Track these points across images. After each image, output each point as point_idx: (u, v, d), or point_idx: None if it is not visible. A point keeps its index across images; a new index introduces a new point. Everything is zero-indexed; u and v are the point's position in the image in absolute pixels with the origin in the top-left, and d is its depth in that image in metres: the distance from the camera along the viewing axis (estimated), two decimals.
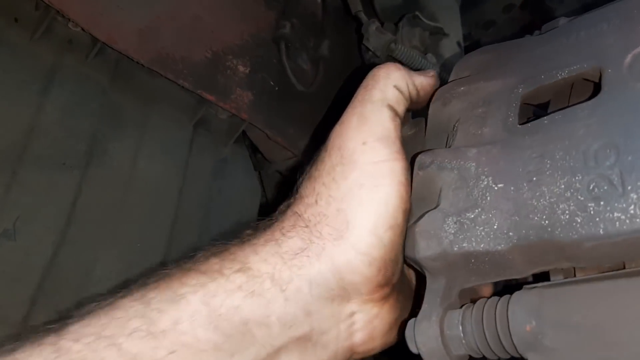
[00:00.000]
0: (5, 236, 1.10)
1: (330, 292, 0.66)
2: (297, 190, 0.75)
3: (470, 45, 1.82)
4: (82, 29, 1.24)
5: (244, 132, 1.55)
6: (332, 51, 1.61)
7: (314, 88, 1.54)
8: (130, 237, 1.25)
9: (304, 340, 0.65)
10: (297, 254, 0.66)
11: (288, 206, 0.73)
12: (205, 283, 0.62)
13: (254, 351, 0.62)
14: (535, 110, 0.81)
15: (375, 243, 0.67)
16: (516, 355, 0.61)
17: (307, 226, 0.68)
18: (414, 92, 0.81)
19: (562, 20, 0.83)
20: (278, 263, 0.65)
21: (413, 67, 1.36)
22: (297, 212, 0.71)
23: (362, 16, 1.43)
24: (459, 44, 1.51)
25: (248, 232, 0.69)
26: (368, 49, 1.40)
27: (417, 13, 1.45)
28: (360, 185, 0.70)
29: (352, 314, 0.69)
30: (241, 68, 1.42)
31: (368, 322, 0.70)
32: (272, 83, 1.48)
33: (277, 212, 0.73)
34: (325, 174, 0.73)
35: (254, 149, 1.68)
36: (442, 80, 0.85)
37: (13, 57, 1.18)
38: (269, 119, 1.46)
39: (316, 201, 0.71)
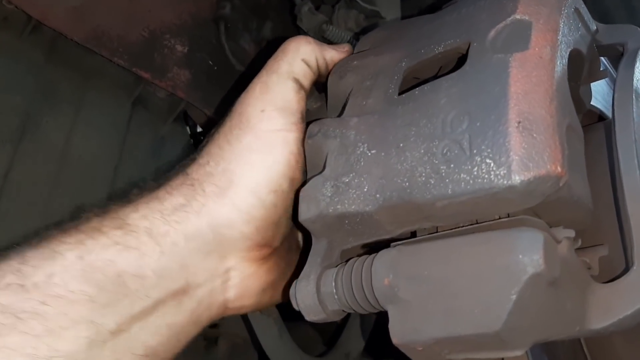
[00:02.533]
0: None
1: (206, 246, 0.70)
2: (198, 152, 0.79)
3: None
4: (16, 7, 1.25)
5: (185, 112, 1.58)
6: (275, 32, 1.63)
7: (255, 68, 1.57)
8: (63, 213, 1.27)
9: (181, 294, 0.69)
10: (177, 209, 0.69)
11: (183, 167, 0.77)
12: (83, 240, 0.65)
13: (128, 303, 0.64)
14: None
15: (255, 203, 0.71)
16: (380, 309, 0.66)
17: (192, 184, 0.72)
18: (323, 66, 0.85)
19: None
20: (157, 218, 0.68)
21: None
22: (187, 172, 0.75)
23: None
24: None
25: (135, 192, 0.73)
26: (302, 30, 1.43)
27: None
28: (251, 150, 0.74)
29: (228, 270, 0.73)
30: (179, 47, 1.45)
31: (243, 279, 0.74)
32: (211, 63, 1.50)
33: (171, 172, 0.77)
34: (222, 136, 0.77)
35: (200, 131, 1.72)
36: None
37: None
38: (207, 98, 1.49)
39: (208, 161, 0.75)
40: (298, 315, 0.74)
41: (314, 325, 1.84)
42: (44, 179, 1.26)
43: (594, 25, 0.79)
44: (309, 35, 1.42)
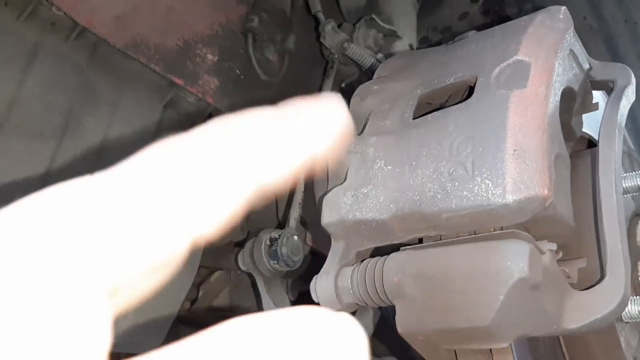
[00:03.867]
0: None
1: None
2: None
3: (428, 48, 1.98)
4: (64, 13, 1.37)
5: (211, 115, 1.69)
6: (298, 45, 1.74)
7: (278, 78, 1.68)
8: None
9: None
10: None
11: None
12: None
13: None
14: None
15: None
16: (388, 303, 0.77)
17: None
18: None
19: (471, 33, 0.97)
20: None
21: (364, 65, 1.50)
22: None
23: (320, 16, 1.57)
24: (411, 46, 1.65)
25: None
26: (324, 46, 1.54)
27: (373, 16, 1.59)
28: None
29: None
30: (210, 56, 1.56)
31: None
32: (238, 72, 1.62)
33: None
34: None
35: None
36: None
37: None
38: (233, 105, 1.60)
39: None
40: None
41: None
42: (82, 172, 1.38)
43: (587, 64, 0.89)
44: (331, 51, 1.53)
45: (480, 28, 2.32)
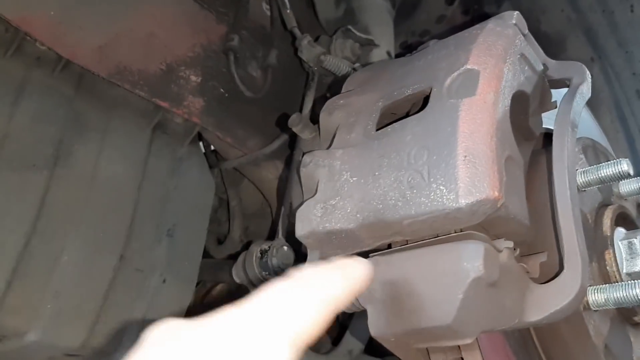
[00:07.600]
0: None
1: None
2: None
3: (406, 52, 2.02)
4: (48, 48, 1.42)
5: (199, 134, 1.74)
6: (280, 59, 1.79)
7: (262, 93, 1.72)
8: (94, 228, 1.43)
9: None
10: None
11: None
12: None
13: None
14: None
15: None
16: (362, 308, 0.80)
17: None
18: None
19: (432, 42, 1.01)
20: None
21: (340, 76, 1.54)
22: None
23: (296, 31, 1.62)
24: (388, 53, 1.69)
25: None
26: (303, 60, 1.59)
27: (349, 27, 1.64)
28: None
29: None
30: (193, 77, 1.61)
31: None
32: (222, 90, 1.66)
33: None
34: None
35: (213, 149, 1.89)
36: None
37: None
38: (219, 122, 1.65)
39: None
40: None
41: None
42: (76, 199, 1.43)
43: (540, 66, 0.93)
44: (310, 65, 1.57)
45: (461, 28, 2.36)
